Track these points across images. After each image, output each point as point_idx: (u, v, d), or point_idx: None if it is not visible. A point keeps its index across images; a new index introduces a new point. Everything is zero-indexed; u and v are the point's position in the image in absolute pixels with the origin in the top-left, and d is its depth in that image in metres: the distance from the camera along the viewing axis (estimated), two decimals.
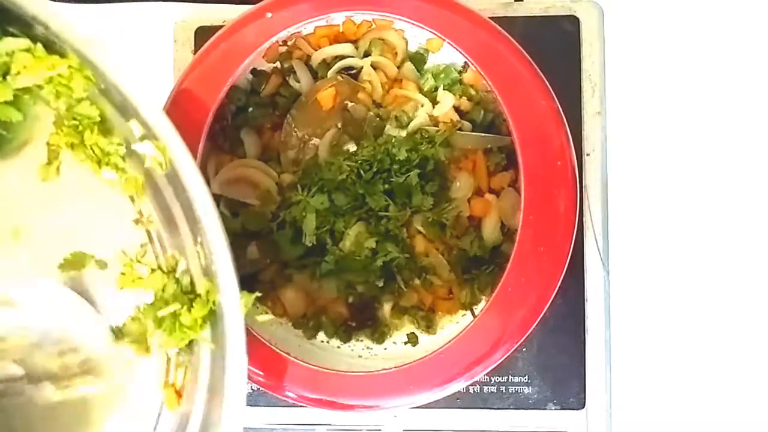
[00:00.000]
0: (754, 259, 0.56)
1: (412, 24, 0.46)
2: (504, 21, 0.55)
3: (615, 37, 0.57)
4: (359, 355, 0.52)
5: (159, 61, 0.58)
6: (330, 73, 0.54)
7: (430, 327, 0.53)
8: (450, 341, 0.44)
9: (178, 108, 0.46)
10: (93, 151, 0.45)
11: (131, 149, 0.43)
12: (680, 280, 0.56)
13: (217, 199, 0.53)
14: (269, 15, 0.46)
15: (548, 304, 0.43)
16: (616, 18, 0.57)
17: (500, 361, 0.43)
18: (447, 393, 0.45)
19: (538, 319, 0.43)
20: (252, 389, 0.54)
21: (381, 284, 0.51)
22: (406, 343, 0.52)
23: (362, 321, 0.53)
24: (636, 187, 0.57)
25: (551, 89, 0.47)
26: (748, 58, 0.57)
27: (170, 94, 0.46)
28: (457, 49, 0.44)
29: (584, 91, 0.57)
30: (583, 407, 0.54)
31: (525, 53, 0.46)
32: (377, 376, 0.45)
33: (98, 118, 0.44)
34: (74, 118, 0.44)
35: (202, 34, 0.56)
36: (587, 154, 0.56)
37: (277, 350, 0.47)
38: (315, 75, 0.55)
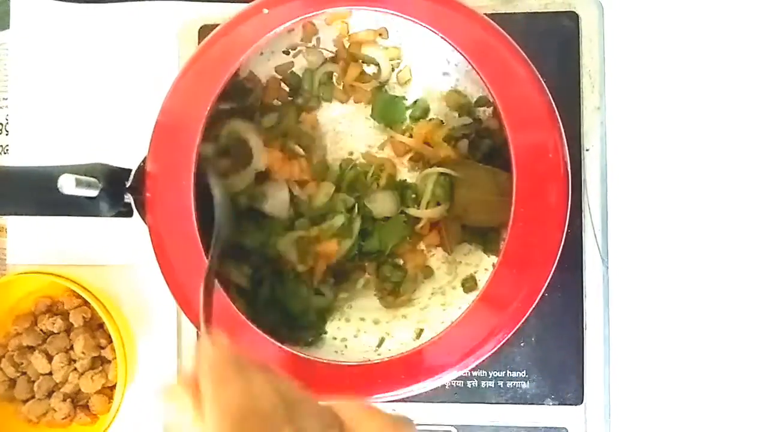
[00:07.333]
0: (754, 254, 0.55)
1: (406, 19, 0.46)
2: (504, 17, 0.56)
3: (614, 33, 0.57)
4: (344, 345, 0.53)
5: (164, 60, 0.60)
6: None
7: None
8: (442, 331, 0.44)
9: (176, 101, 0.47)
10: None
11: None
12: (680, 276, 0.56)
13: None
14: (266, 11, 0.47)
15: (540, 296, 0.43)
16: (615, 14, 0.57)
17: (492, 351, 0.43)
18: (440, 383, 0.45)
19: (530, 310, 0.43)
20: None
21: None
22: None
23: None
24: (635, 182, 0.57)
25: (545, 83, 0.47)
26: (748, 52, 0.56)
27: (170, 88, 0.47)
28: (451, 44, 0.44)
29: (583, 87, 0.57)
30: (582, 403, 0.54)
31: (518, 47, 0.46)
32: (368, 366, 0.45)
33: None
34: None
35: (206, 32, 0.57)
36: (587, 150, 0.56)
37: (269, 339, 0.47)
38: None
